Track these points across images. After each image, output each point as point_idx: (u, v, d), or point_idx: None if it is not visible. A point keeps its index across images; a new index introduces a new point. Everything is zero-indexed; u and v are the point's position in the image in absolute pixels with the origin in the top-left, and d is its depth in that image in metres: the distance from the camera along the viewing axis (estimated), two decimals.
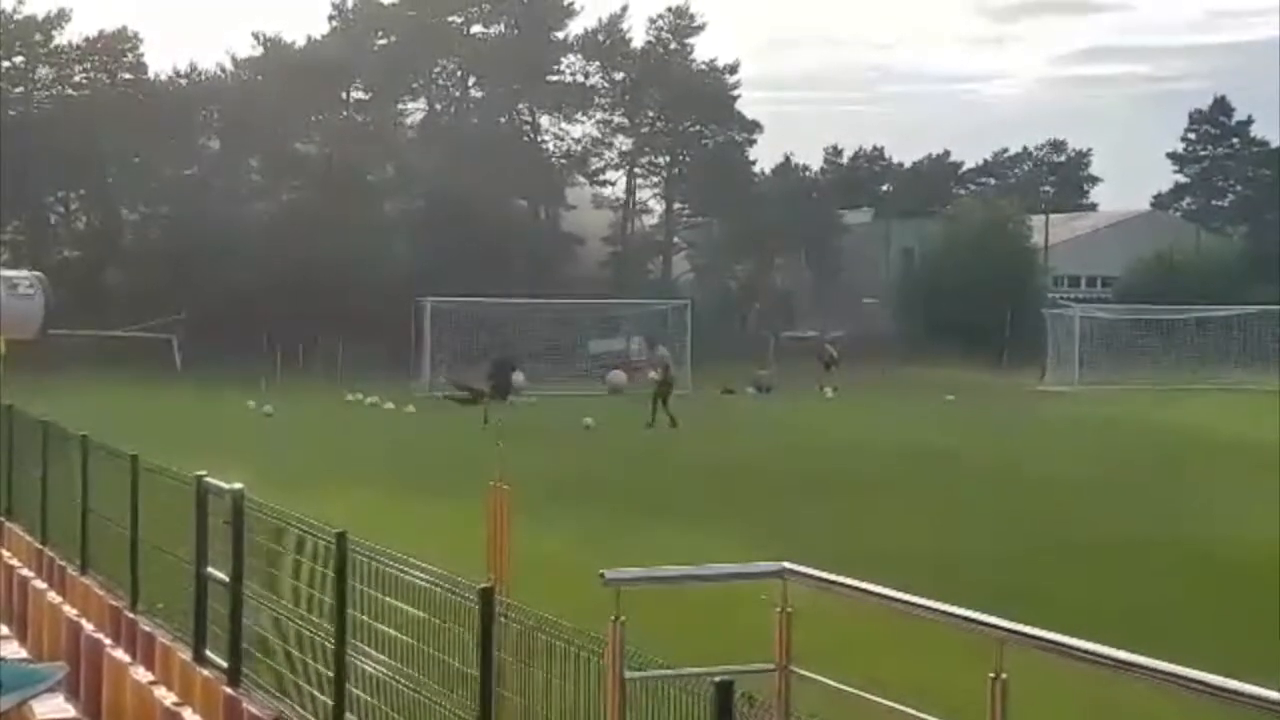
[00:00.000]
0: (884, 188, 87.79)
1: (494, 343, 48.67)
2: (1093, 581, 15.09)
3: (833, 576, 5.70)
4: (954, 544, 17.40)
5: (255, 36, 67.67)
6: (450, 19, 69.81)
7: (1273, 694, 3.77)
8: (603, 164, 72.71)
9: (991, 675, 4.50)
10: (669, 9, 72.44)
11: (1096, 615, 11.74)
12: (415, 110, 71.25)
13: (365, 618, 7.55)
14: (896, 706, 4.98)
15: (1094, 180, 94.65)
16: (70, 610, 11.93)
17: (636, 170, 73.65)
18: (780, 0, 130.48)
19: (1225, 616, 13.26)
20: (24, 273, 42.38)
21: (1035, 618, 4.93)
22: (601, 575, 5.51)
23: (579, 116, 71.66)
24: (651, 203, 75.26)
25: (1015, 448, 29.49)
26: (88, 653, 10.68)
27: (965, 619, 4.93)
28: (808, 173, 79.68)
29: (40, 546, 14.32)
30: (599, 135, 72.18)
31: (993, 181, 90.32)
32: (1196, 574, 15.70)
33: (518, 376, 44.16)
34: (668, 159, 73.64)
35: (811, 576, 5.73)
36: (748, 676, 5.32)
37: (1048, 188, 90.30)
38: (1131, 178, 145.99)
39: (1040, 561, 16.17)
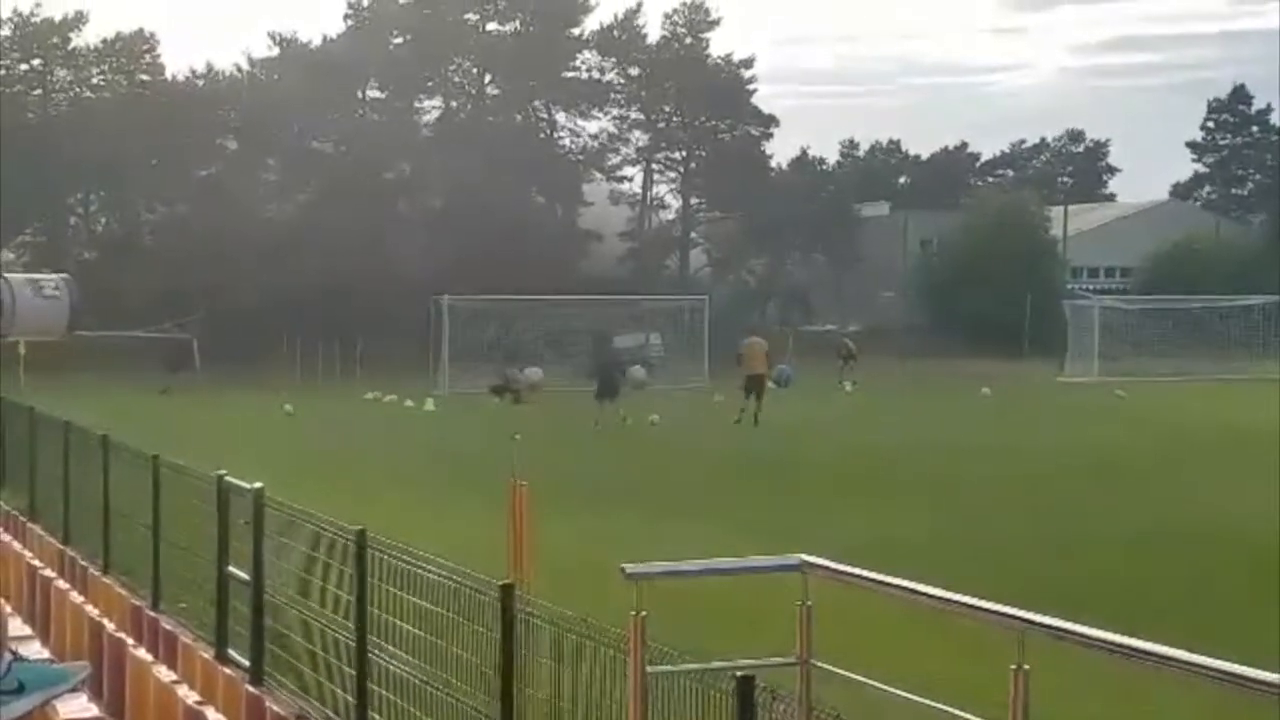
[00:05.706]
0: (901, 180, 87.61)
1: (506, 340, 48.75)
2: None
3: (852, 569, 5.66)
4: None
5: (271, 36, 68.10)
6: (466, 17, 69.90)
7: None
8: (619, 160, 72.85)
9: (1013, 667, 4.49)
10: (684, 4, 72.56)
11: None
12: (431, 108, 71.46)
13: (387, 615, 7.57)
14: (918, 699, 4.96)
15: (1112, 170, 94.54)
16: (92, 610, 11.95)
17: (653, 166, 73.69)
18: None
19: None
20: (50, 274, 42.65)
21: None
22: (622, 569, 5.49)
23: (595, 113, 71.80)
24: (668, 198, 75.40)
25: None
26: (110, 652, 10.70)
27: (985, 610, 4.91)
28: (824, 166, 79.69)
29: (62, 547, 14.38)
30: (615, 131, 72.31)
31: (1011, 173, 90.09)
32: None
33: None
34: (684, 154, 73.63)
35: (831, 569, 5.70)
36: (770, 671, 5.31)
37: (1066, 178, 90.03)
38: (1150, 168, 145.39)
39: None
